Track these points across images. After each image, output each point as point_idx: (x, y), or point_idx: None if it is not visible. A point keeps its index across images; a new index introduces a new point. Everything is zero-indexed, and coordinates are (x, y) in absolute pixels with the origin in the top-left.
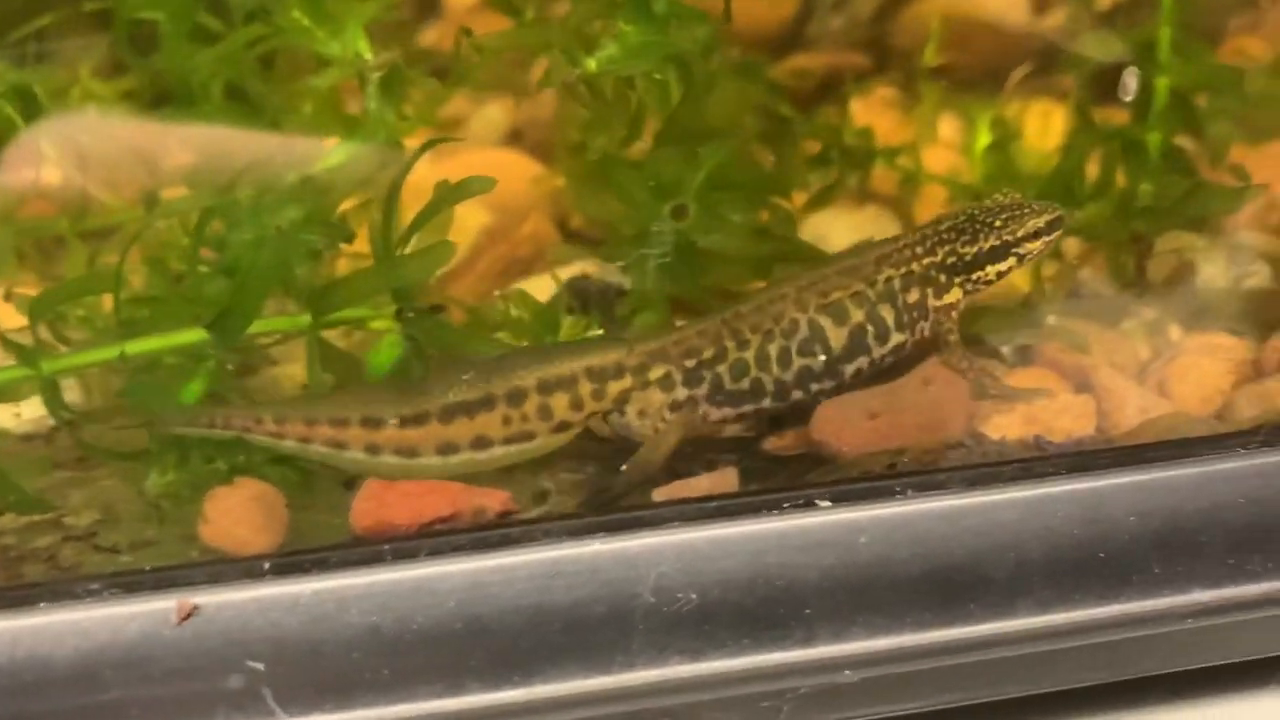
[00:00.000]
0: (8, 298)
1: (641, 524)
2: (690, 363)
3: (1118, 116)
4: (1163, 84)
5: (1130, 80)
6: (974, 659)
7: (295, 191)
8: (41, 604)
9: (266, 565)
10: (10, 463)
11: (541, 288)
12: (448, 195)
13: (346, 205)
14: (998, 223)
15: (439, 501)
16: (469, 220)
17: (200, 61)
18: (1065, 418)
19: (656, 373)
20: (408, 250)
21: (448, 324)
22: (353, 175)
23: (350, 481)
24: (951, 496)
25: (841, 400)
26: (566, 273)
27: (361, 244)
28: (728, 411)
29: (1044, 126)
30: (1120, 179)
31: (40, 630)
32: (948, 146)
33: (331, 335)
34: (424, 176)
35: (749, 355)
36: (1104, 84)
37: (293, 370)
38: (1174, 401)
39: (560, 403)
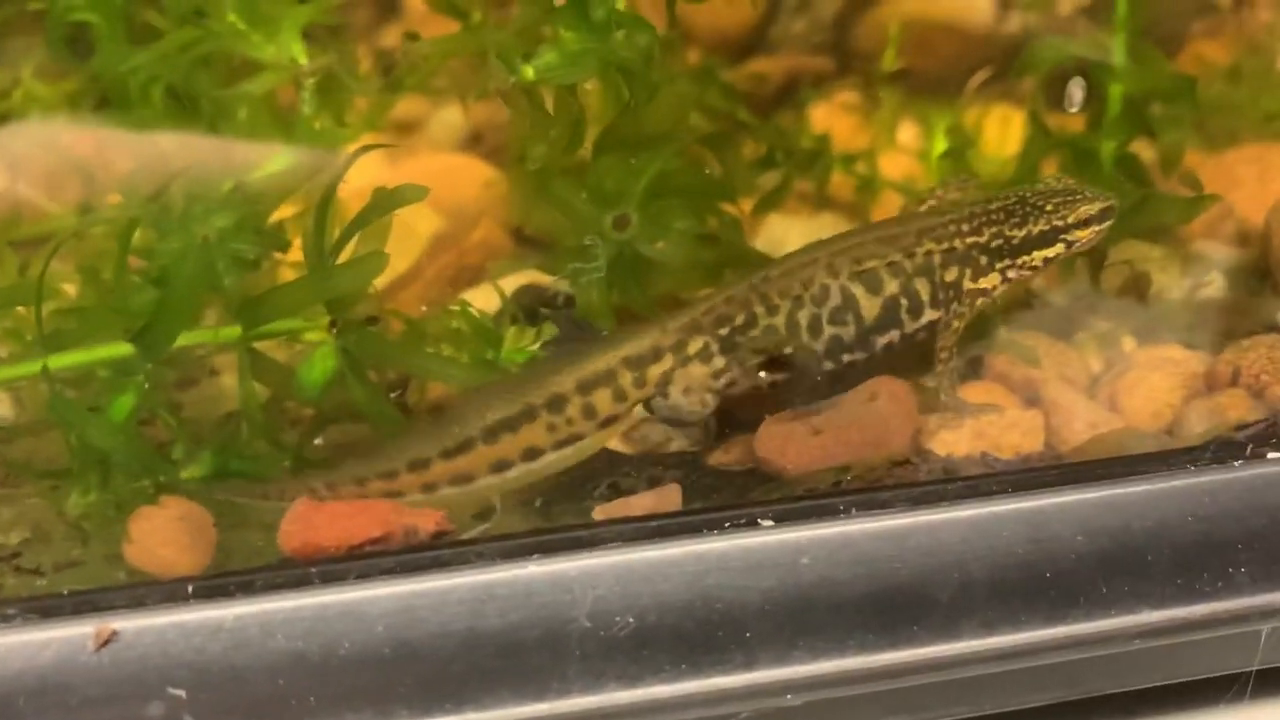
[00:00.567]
0: None
1: (579, 544)
2: (724, 330)
3: (1075, 123)
4: (1116, 91)
5: (1076, 91)
6: (919, 682)
7: (225, 199)
8: None
9: (189, 588)
10: None
11: (490, 297)
12: (380, 204)
13: (286, 212)
14: (1049, 207)
15: (368, 522)
16: (420, 226)
17: (136, 64)
18: (1013, 433)
19: (694, 346)
20: (345, 259)
21: (381, 337)
22: (289, 182)
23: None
24: (896, 516)
25: (783, 417)
26: (510, 284)
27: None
28: (763, 377)
29: (1003, 132)
30: None
31: None
32: (906, 152)
33: (270, 346)
34: (374, 181)
35: (779, 321)
36: (1062, 89)
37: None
38: (1124, 416)
39: (603, 399)
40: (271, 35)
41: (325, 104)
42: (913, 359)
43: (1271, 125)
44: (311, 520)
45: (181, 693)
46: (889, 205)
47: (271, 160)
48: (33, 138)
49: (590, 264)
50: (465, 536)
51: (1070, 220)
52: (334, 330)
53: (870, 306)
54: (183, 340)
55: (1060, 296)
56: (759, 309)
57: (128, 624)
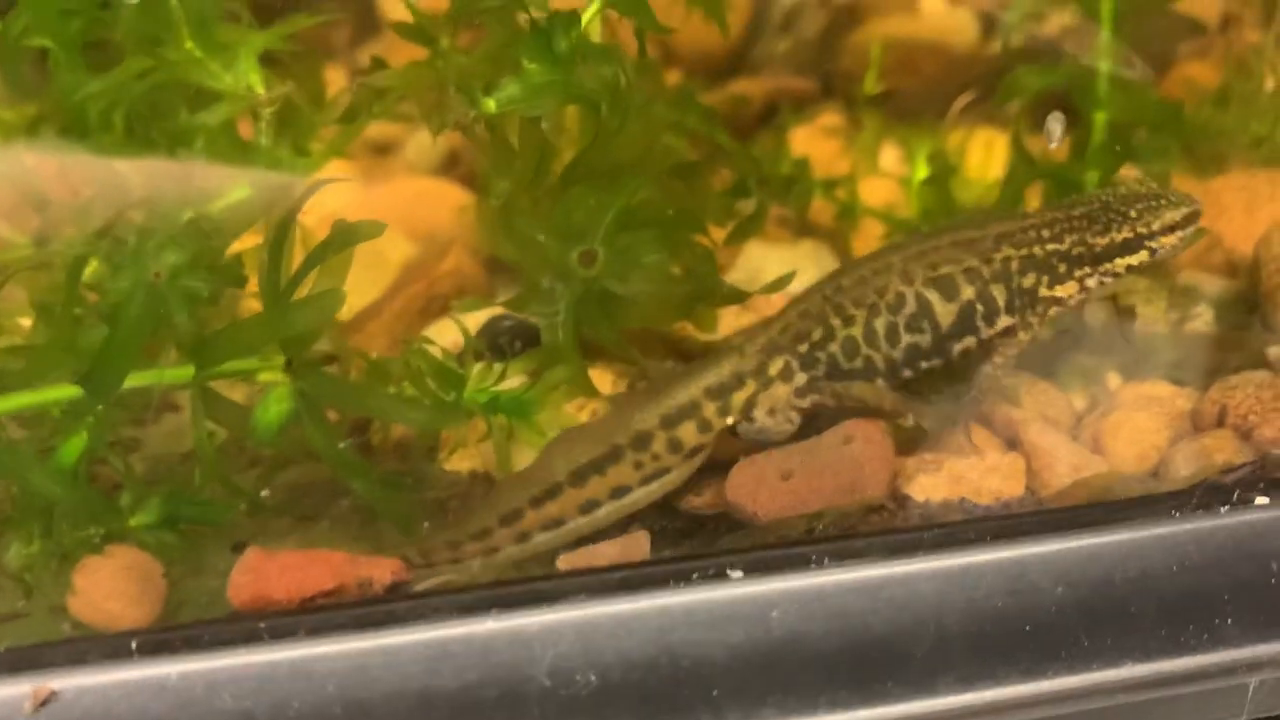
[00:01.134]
0: None
1: (540, 598)
2: (803, 347)
3: (1061, 148)
4: (1100, 119)
5: (1055, 126)
6: None
7: (179, 234)
8: None
9: (133, 644)
10: None
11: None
12: (337, 239)
13: (249, 243)
14: (1133, 212)
15: (321, 574)
16: (391, 254)
17: (92, 92)
18: (993, 478)
19: (775, 367)
20: (305, 294)
21: (338, 378)
22: (248, 213)
23: (239, 545)
24: (870, 566)
25: (756, 459)
26: (474, 320)
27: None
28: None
29: (986, 157)
30: None
31: None
32: (889, 177)
33: (230, 383)
34: (348, 206)
35: (856, 332)
36: (1046, 113)
37: None
38: (1108, 459)
39: (688, 431)
40: (229, 64)
41: (285, 133)
42: None
43: (1260, 149)
44: (263, 571)
45: None
46: (869, 232)
47: (231, 191)
48: None
49: (554, 303)
50: (421, 588)
51: (1155, 226)
52: (290, 370)
53: (946, 313)
54: (134, 381)
55: (1043, 330)
56: (835, 321)
57: (68, 683)
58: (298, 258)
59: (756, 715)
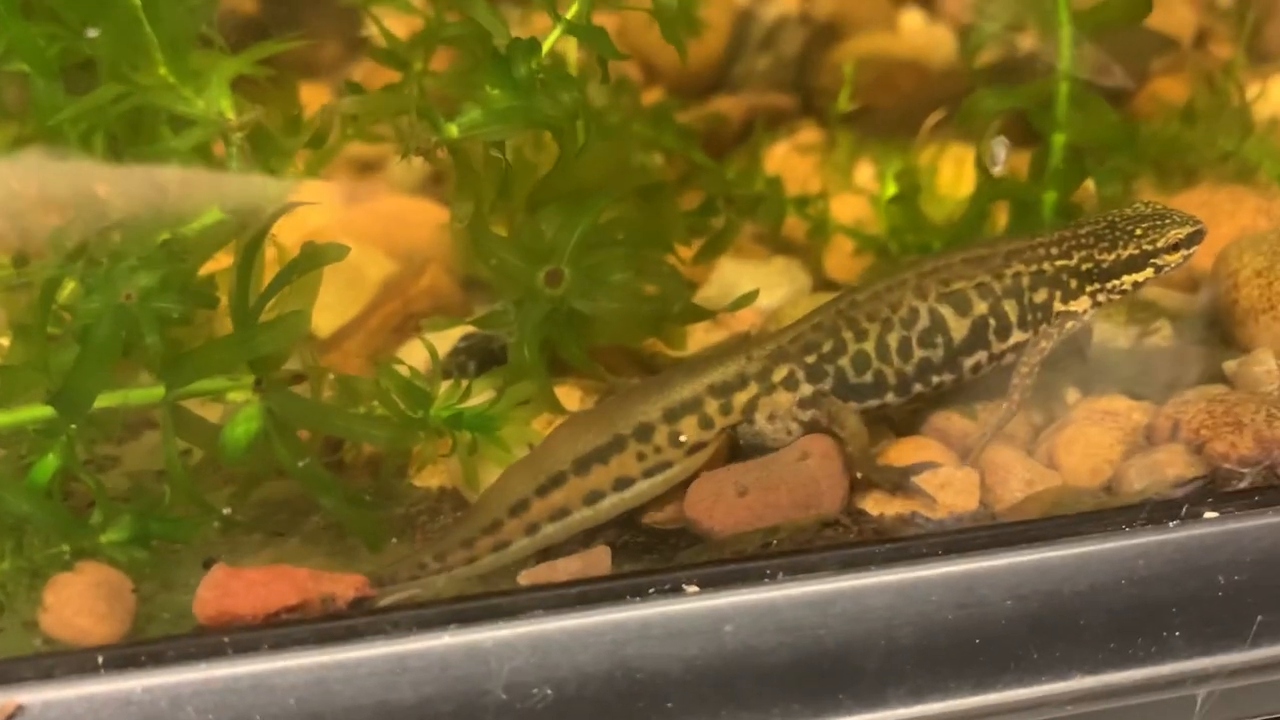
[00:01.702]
0: None
1: (497, 613)
2: (810, 358)
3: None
4: (1059, 140)
5: (999, 150)
6: None
7: (152, 256)
8: None
9: (100, 659)
10: None
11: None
12: (303, 262)
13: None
14: (1138, 231)
15: (285, 590)
16: (371, 271)
17: (70, 115)
18: (947, 492)
19: (779, 374)
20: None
21: (304, 398)
22: (221, 235)
23: (209, 561)
24: (822, 580)
25: (715, 474)
26: (443, 341)
27: None
28: (853, 406)
29: (958, 173)
30: None
31: None
32: (863, 194)
33: (200, 403)
34: (330, 223)
35: (868, 346)
36: (1017, 129)
37: None
38: (1062, 473)
39: (689, 426)
40: (201, 89)
41: (257, 156)
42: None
43: (1226, 164)
44: (229, 588)
45: None
46: (842, 249)
47: (206, 211)
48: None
49: (522, 322)
50: (384, 604)
51: (1160, 244)
52: (259, 390)
53: (958, 328)
54: (106, 401)
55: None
56: (847, 334)
57: (35, 697)
58: (273, 276)
59: None
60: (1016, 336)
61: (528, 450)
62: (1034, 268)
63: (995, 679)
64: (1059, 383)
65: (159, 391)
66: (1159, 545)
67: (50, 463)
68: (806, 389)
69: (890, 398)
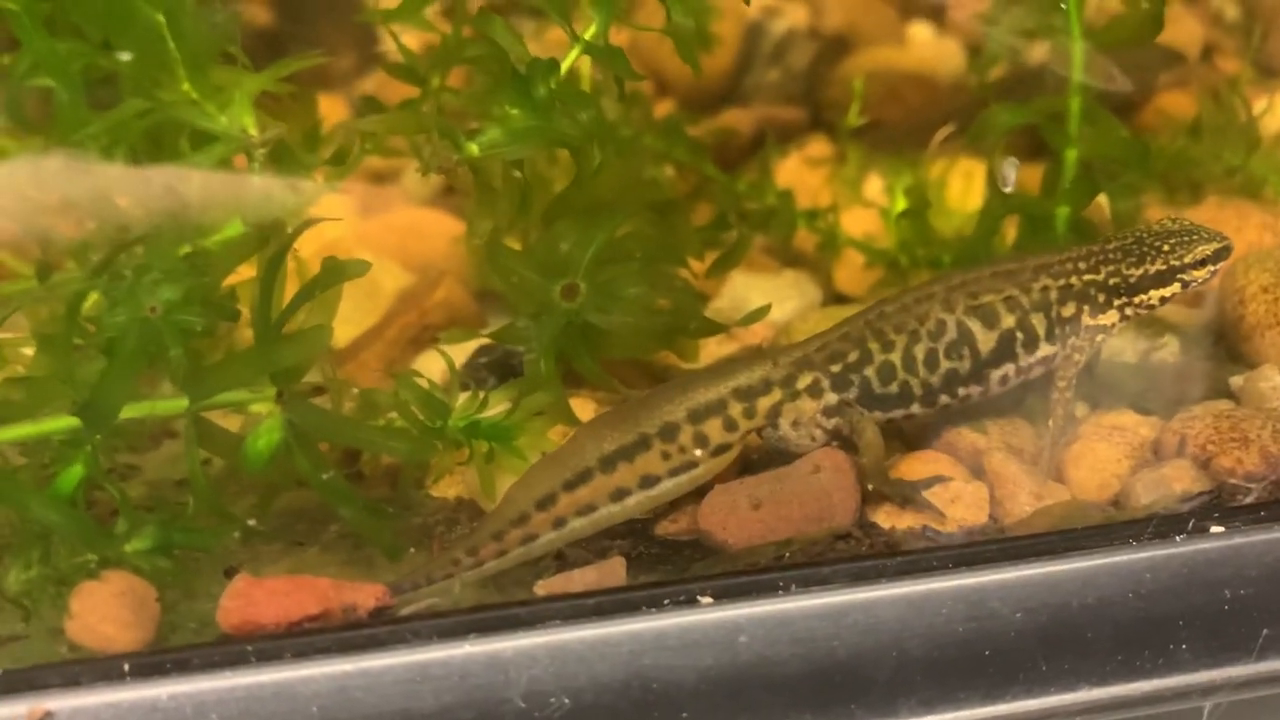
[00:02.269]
0: None
1: (516, 623)
2: (836, 367)
3: (1036, 178)
4: (1071, 156)
5: (1009, 171)
6: None
7: (175, 270)
8: None
9: (126, 666)
10: None
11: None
12: (327, 277)
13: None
14: (1165, 247)
15: (307, 599)
16: (386, 283)
17: (94, 130)
18: (957, 506)
19: (804, 381)
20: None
21: (325, 410)
22: (243, 248)
23: (230, 569)
24: (835, 593)
25: (729, 487)
26: (459, 353)
27: None
28: (878, 416)
29: (967, 187)
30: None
31: None
32: (873, 207)
33: (221, 413)
34: (346, 235)
35: (895, 357)
36: (1026, 142)
37: None
38: (1070, 487)
39: (714, 428)
40: (224, 105)
41: (278, 172)
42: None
43: (1233, 179)
44: (251, 597)
45: None
46: (852, 262)
47: (225, 226)
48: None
49: (537, 335)
50: (404, 613)
51: (1187, 260)
52: (280, 402)
53: (986, 340)
54: (131, 412)
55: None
56: (874, 345)
57: (63, 703)
58: (293, 288)
59: None
60: (1044, 350)
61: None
62: (1062, 282)
63: (1004, 690)
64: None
65: (182, 403)
66: (1165, 559)
67: (75, 472)
68: (831, 397)
69: (916, 408)
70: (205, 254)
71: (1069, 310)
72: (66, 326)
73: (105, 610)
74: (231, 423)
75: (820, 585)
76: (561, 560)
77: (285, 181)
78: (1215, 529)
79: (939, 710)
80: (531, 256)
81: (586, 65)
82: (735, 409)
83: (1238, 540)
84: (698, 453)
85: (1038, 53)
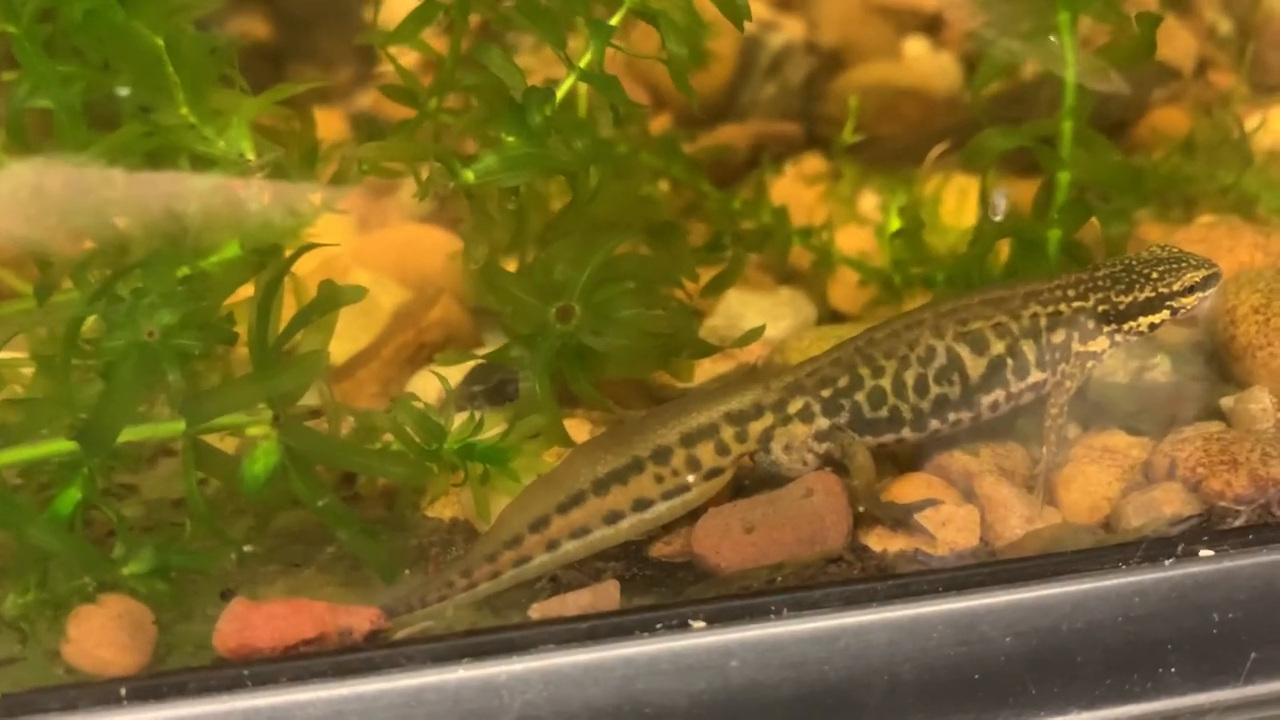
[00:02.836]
0: None
1: (510, 647)
2: (826, 392)
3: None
4: (1064, 178)
5: (1000, 201)
6: None
7: (173, 294)
8: None
9: (122, 690)
10: None
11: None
12: (323, 302)
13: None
14: (1154, 274)
15: (303, 623)
16: (383, 300)
17: (93, 154)
18: (948, 529)
19: (795, 406)
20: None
21: (320, 433)
22: (241, 272)
23: (227, 592)
24: (826, 617)
25: (721, 510)
26: (455, 372)
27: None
28: (869, 441)
29: (961, 203)
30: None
31: None
32: (869, 224)
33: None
34: (341, 254)
35: (885, 382)
36: (1022, 160)
37: None
38: (1062, 510)
39: (706, 451)
40: (222, 130)
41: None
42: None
43: (1226, 197)
44: (248, 620)
45: None
46: (847, 279)
47: (223, 248)
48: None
49: (533, 356)
50: (399, 636)
51: (1176, 287)
52: (276, 425)
53: (975, 366)
54: (129, 435)
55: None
56: (864, 370)
57: None
58: (290, 305)
59: None
60: (1035, 376)
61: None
62: (1051, 309)
63: (994, 714)
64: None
65: (179, 426)
66: (1155, 583)
67: (72, 495)
68: (823, 422)
69: (907, 433)
70: (203, 277)
71: (1059, 337)
72: (65, 349)
73: (102, 634)
74: (229, 443)
75: (812, 609)
76: (556, 582)
77: (282, 204)
78: (1204, 552)
79: None
80: (527, 279)
81: (584, 86)
82: (727, 433)
83: (1226, 564)
84: (690, 476)
85: (1037, 64)
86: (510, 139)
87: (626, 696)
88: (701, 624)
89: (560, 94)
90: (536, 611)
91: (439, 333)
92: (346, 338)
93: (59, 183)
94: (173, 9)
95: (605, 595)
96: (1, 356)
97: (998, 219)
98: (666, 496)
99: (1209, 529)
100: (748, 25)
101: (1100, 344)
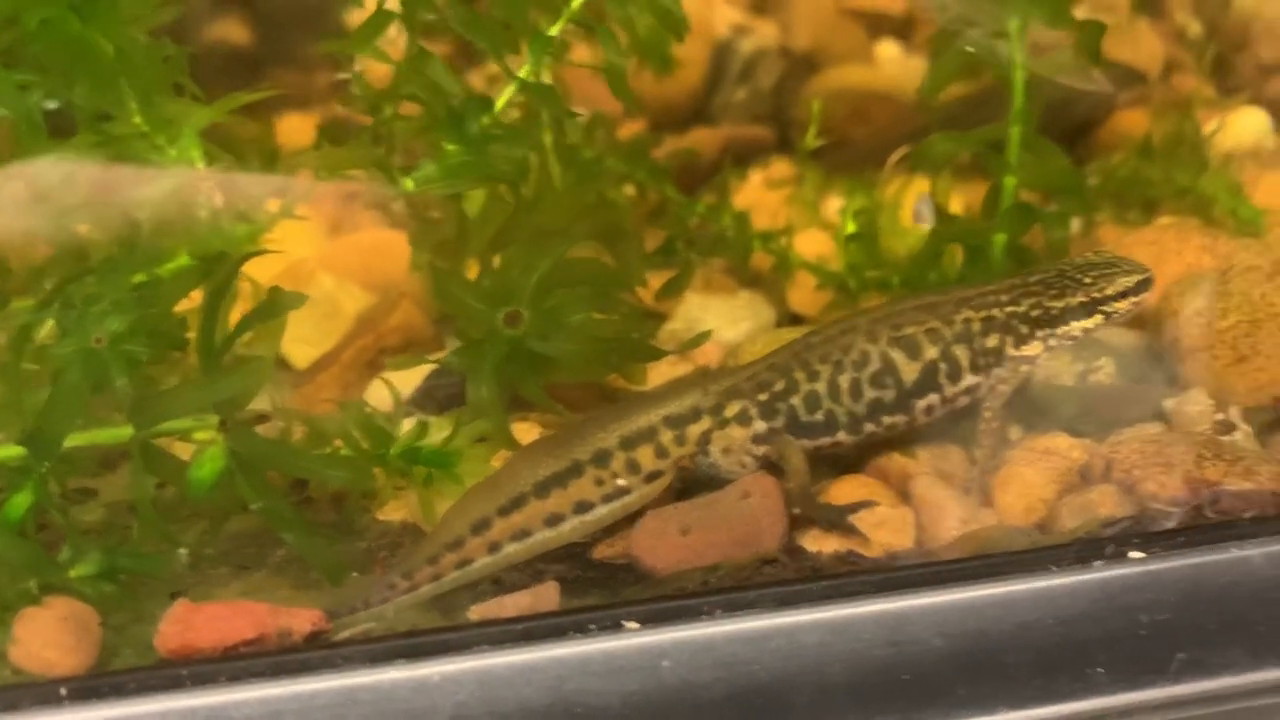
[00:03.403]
0: None
1: (445, 648)
2: (763, 396)
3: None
4: (1010, 183)
5: (924, 209)
6: None
7: (123, 300)
8: None
9: (63, 691)
10: None
11: (402, 383)
12: (263, 310)
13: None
14: (1087, 279)
15: (243, 624)
16: (347, 304)
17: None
18: (883, 531)
19: (732, 410)
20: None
21: (265, 438)
22: (190, 280)
23: (177, 595)
24: (758, 617)
25: (661, 513)
26: (414, 376)
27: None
28: (806, 444)
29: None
30: None
31: None
32: (831, 228)
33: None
34: (307, 259)
35: (820, 387)
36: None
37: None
38: (998, 512)
39: (645, 455)
40: (173, 138)
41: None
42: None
43: (1183, 200)
44: (190, 622)
45: None
46: (806, 283)
47: (175, 257)
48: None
49: (479, 361)
50: (342, 636)
51: (1109, 292)
52: (223, 430)
53: (909, 371)
54: (77, 440)
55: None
56: (799, 375)
57: None
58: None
59: None
60: (968, 380)
61: None
62: (984, 314)
63: (922, 714)
64: (1002, 420)
65: (128, 431)
66: (1085, 585)
67: (23, 500)
68: (760, 425)
69: (843, 436)
70: (157, 283)
71: (993, 342)
72: (15, 355)
73: (48, 635)
74: (185, 449)
75: (744, 610)
76: (499, 584)
77: (234, 211)
78: (1135, 554)
79: None
80: (477, 284)
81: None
82: (666, 436)
83: (1155, 565)
84: (631, 479)
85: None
86: (450, 147)
87: (559, 697)
88: (635, 625)
89: (500, 103)
90: (475, 613)
91: (399, 337)
92: (309, 342)
93: (19, 188)
94: (128, 18)
95: (545, 597)
96: None
97: (924, 224)
98: (607, 499)
99: (1141, 531)
100: (721, 30)
101: (1034, 349)
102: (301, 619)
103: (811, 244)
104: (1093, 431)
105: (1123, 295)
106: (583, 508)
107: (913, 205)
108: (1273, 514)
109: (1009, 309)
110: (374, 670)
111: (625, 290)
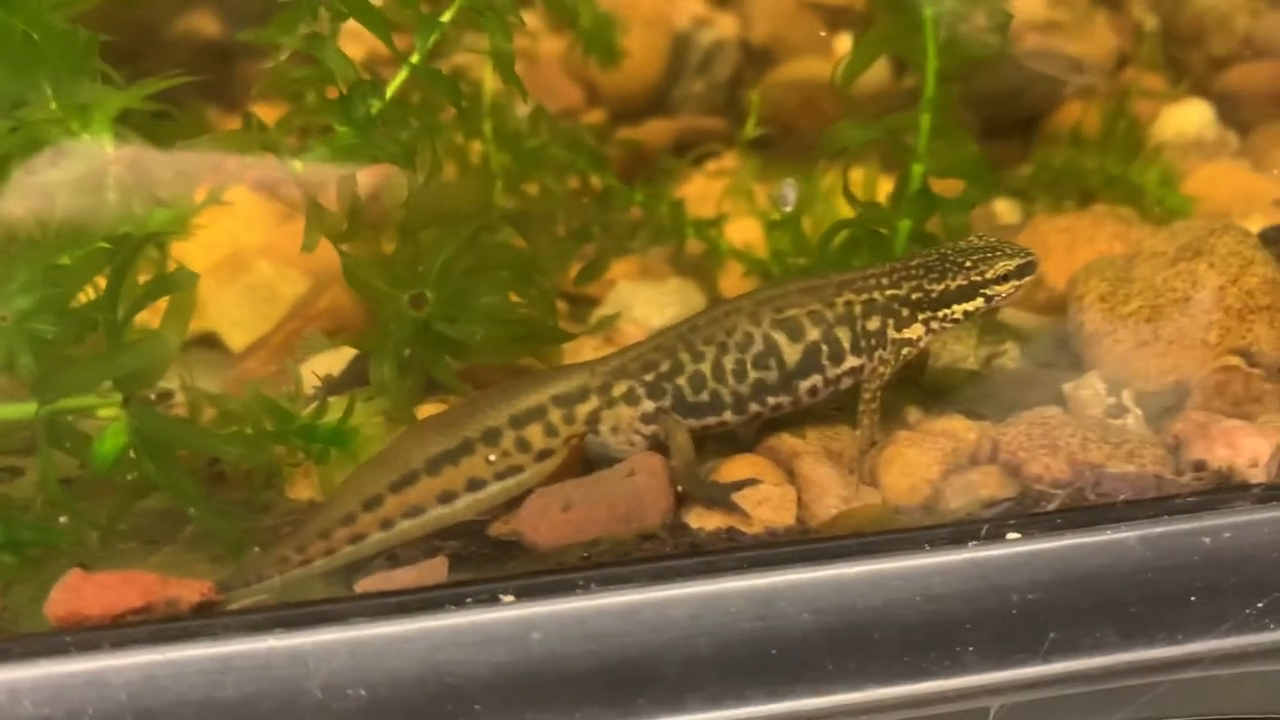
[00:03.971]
0: None
1: (321, 619)
2: (649, 376)
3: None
4: (918, 170)
5: (788, 192)
6: None
7: (31, 280)
8: None
9: None
10: None
11: (330, 364)
12: (154, 289)
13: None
14: (967, 263)
15: (131, 593)
16: (285, 290)
17: None
18: (765, 508)
19: (619, 389)
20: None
21: (165, 415)
22: (99, 261)
23: (83, 567)
24: (631, 592)
25: (549, 489)
26: (333, 362)
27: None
28: (693, 423)
29: (862, 194)
30: None
31: None
32: (761, 217)
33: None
34: (257, 245)
35: (705, 367)
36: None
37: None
38: (883, 491)
39: (535, 433)
40: (85, 123)
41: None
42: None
43: (1114, 189)
44: (80, 590)
45: None
46: (736, 270)
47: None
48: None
49: (383, 341)
50: (229, 609)
51: (989, 275)
52: (126, 407)
53: (791, 352)
54: None
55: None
56: (684, 356)
57: None
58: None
59: None
60: (850, 361)
61: None
62: (865, 297)
63: (790, 688)
64: (899, 402)
65: (31, 407)
66: (957, 564)
67: None
68: (648, 405)
69: (729, 416)
70: (62, 267)
71: (874, 324)
72: None
73: None
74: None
75: (620, 584)
76: (394, 559)
77: (149, 195)
78: (1011, 535)
79: (725, 706)
80: (385, 267)
81: (492, 82)
82: (555, 415)
83: (1030, 546)
84: (522, 457)
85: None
86: (341, 129)
87: (430, 666)
88: (511, 598)
89: (392, 88)
90: (362, 586)
91: (328, 321)
92: (247, 326)
93: None
94: (50, 5)
95: (433, 571)
96: None
97: (788, 208)
98: (500, 477)
99: (1020, 512)
100: (681, 21)
101: (915, 331)
102: (191, 590)
103: (745, 232)
104: (992, 415)
105: (1003, 278)
106: (475, 485)
107: (779, 190)
108: (1150, 497)
109: (889, 292)
110: (251, 639)
111: (541, 275)
